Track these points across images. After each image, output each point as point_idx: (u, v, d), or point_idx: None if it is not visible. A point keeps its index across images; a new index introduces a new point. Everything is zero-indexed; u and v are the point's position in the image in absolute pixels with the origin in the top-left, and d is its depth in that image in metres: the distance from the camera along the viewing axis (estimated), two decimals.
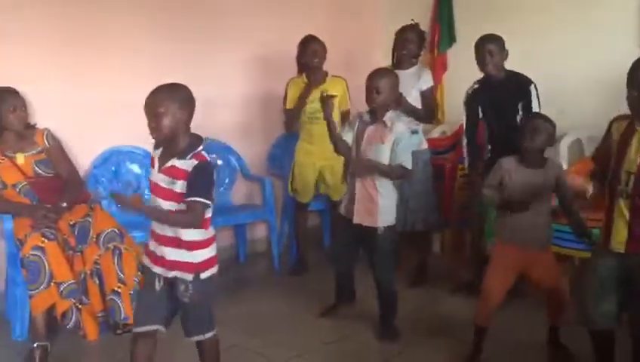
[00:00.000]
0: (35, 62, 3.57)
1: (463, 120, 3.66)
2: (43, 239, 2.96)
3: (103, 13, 3.84)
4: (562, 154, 4.03)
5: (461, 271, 3.95)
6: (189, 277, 2.24)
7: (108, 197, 3.47)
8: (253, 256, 4.62)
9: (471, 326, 2.97)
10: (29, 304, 3.01)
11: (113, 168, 3.95)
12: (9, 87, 3.23)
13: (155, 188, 2.26)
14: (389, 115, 3.05)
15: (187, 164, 2.18)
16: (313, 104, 3.96)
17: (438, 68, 4.91)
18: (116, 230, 3.19)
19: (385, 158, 3.02)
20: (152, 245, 2.31)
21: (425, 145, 3.91)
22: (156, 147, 2.30)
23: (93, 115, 3.74)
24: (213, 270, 2.31)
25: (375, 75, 3.04)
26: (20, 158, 3.22)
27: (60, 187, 3.28)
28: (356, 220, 3.08)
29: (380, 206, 3.04)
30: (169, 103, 2.16)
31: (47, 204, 3.13)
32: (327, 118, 3.15)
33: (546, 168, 2.76)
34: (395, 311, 3.19)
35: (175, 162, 2.20)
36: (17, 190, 3.19)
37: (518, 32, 3.96)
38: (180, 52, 4.20)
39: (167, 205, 2.21)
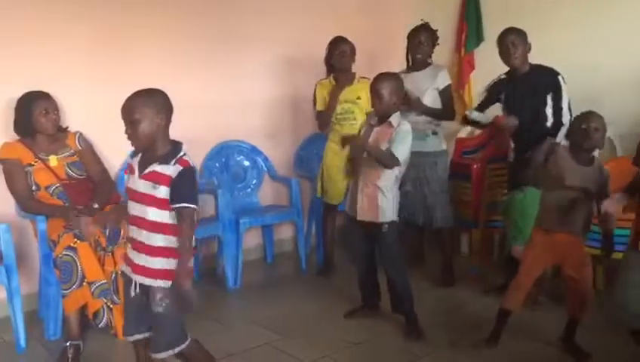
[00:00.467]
0: (65, 65, 3.65)
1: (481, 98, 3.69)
2: (75, 240, 3.02)
3: (132, 16, 3.90)
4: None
5: (489, 272, 3.91)
6: (166, 284, 2.15)
7: None
8: (281, 257, 4.65)
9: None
10: (61, 303, 3.08)
11: None
12: (41, 91, 3.30)
13: (134, 195, 2.18)
14: (394, 116, 3.08)
15: (170, 170, 2.13)
16: (342, 105, 3.97)
17: (466, 67, 4.88)
18: None
19: None
20: (131, 252, 2.24)
21: (444, 146, 3.91)
22: (134, 154, 2.25)
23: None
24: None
25: (376, 81, 3.07)
26: (53, 161, 3.30)
27: (91, 188, 3.35)
28: (360, 216, 3.12)
29: (382, 202, 3.07)
30: (145, 110, 2.12)
31: (79, 205, 3.19)
32: (366, 147, 3.05)
33: (593, 167, 2.74)
34: (412, 306, 3.19)
35: (156, 167, 2.15)
36: (50, 192, 3.26)
37: (548, 28, 3.91)
38: (208, 53, 4.25)
39: (150, 211, 2.15)
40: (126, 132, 2.15)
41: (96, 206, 3.19)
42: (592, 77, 3.94)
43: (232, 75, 4.38)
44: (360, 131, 3.21)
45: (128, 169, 2.28)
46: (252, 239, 4.54)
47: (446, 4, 4.93)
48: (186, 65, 4.14)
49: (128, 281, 2.27)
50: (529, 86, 3.43)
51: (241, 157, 4.49)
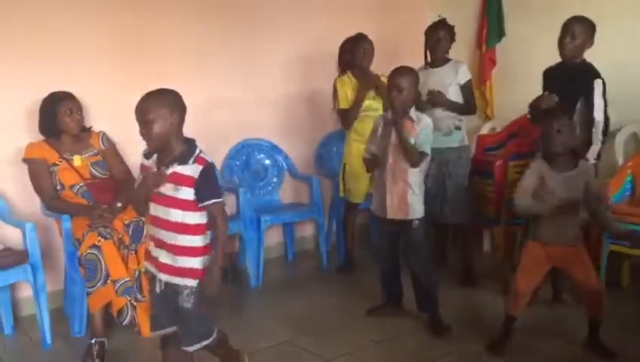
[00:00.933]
0: (88, 66, 3.69)
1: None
2: (99, 238, 3.05)
3: (152, 17, 3.93)
4: (617, 148, 3.90)
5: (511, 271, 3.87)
6: (192, 283, 2.21)
7: None
8: (302, 255, 4.66)
9: (523, 328, 2.99)
10: (86, 301, 3.11)
11: None
12: (65, 92, 3.35)
13: (155, 197, 2.20)
14: (412, 111, 3.07)
15: (191, 170, 2.15)
16: (364, 102, 3.96)
17: (487, 63, 4.83)
18: None
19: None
20: (156, 251, 2.26)
21: (466, 142, 3.87)
22: (148, 155, 2.26)
23: None
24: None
25: (396, 74, 3.04)
26: (77, 160, 3.34)
27: (114, 188, 3.38)
28: (390, 215, 3.11)
29: (412, 199, 3.07)
30: (159, 109, 2.13)
31: (103, 204, 3.22)
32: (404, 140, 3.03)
33: (577, 171, 2.72)
34: (437, 305, 3.18)
35: (177, 168, 2.17)
36: (75, 191, 3.30)
37: None
38: (227, 52, 4.28)
39: (172, 212, 2.18)
40: (140, 132, 2.17)
41: (119, 205, 3.22)
42: (618, 71, 3.86)
43: (252, 73, 4.39)
44: (377, 129, 3.19)
45: (141, 170, 2.29)
46: (273, 237, 4.56)
47: (465, 0, 4.88)
48: (206, 64, 4.16)
49: (153, 278, 2.30)
50: (567, 84, 3.23)
51: (262, 155, 4.50)
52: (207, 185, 2.17)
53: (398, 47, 4.82)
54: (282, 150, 4.54)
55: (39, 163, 3.28)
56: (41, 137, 3.36)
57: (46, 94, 3.33)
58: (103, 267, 3.02)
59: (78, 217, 3.21)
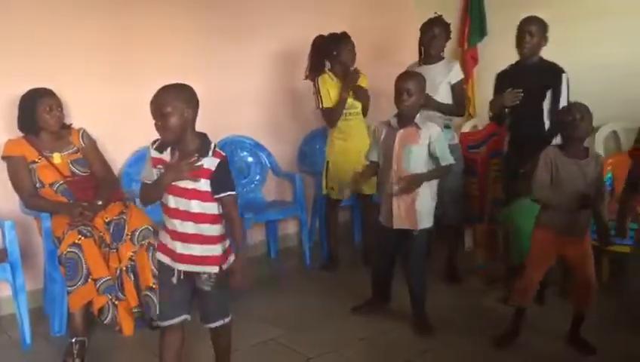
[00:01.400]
0: (69, 62, 3.65)
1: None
2: (80, 236, 3.02)
3: (131, 15, 3.90)
4: (598, 145, 3.95)
5: (494, 267, 3.90)
6: (215, 269, 2.30)
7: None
8: (285, 252, 4.65)
9: (503, 322, 3.02)
10: (67, 300, 3.08)
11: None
12: (45, 88, 3.30)
13: (173, 190, 2.25)
14: (418, 117, 3.06)
15: (209, 162, 2.22)
16: (348, 100, 3.97)
17: (469, 61, 4.86)
18: (150, 227, 3.23)
19: (421, 158, 3.03)
20: (173, 244, 2.32)
21: (456, 140, 3.88)
22: (161, 148, 2.29)
23: (126, 115, 3.78)
24: (232, 258, 2.36)
25: (405, 77, 3.06)
26: (57, 158, 3.29)
27: (95, 186, 3.35)
28: (397, 225, 3.09)
29: (420, 209, 3.06)
30: (176, 103, 2.17)
31: (84, 202, 3.18)
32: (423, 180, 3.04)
33: (589, 158, 2.74)
34: (424, 305, 3.20)
35: (201, 161, 2.23)
36: (55, 189, 3.26)
37: (554, 21, 3.87)
38: (211, 49, 4.25)
39: (193, 203, 2.25)
40: (156, 125, 2.20)
41: (100, 203, 3.19)
42: (598, 71, 3.92)
43: (235, 70, 4.37)
44: (375, 134, 3.19)
45: (155, 163, 2.29)
46: (256, 235, 4.54)
47: None
48: (189, 61, 4.12)
49: (168, 271, 2.34)
50: (533, 79, 3.42)
51: (245, 153, 4.48)
52: (224, 177, 2.26)
53: (382, 45, 4.84)
54: (265, 148, 4.52)
55: (18, 160, 3.23)
56: (20, 134, 3.31)
57: (25, 91, 3.28)
58: (84, 266, 2.99)
59: (57, 215, 3.17)
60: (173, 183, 2.24)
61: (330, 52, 4.02)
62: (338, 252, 4.28)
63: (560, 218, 2.76)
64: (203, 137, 2.29)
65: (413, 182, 3.01)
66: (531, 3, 4.27)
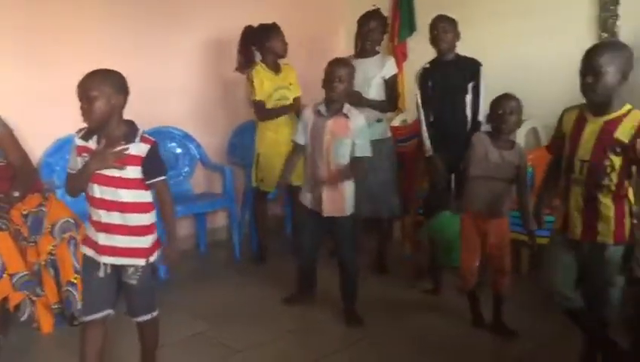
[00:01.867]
0: None
1: (417, 98, 3.68)
2: None
3: (52, 0, 3.73)
4: (519, 142, 4.09)
5: (420, 258, 4.00)
6: (142, 262, 2.27)
7: (62, 187, 3.37)
8: (214, 245, 4.58)
9: (431, 312, 3.18)
10: None
11: (68, 157, 3.82)
12: None
13: (99, 178, 2.19)
14: (347, 106, 3.08)
15: (138, 148, 2.19)
16: (278, 91, 3.94)
17: (399, 56, 4.92)
18: (71, 219, 3.10)
19: (348, 152, 3.07)
20: (96, 235, 2.26)
21: (389, 134, 3.92)
22: (87, 136, 2.22)
23: (46, 103, 3.62)
24: (159, 252, 2.35)
25: (337, 64, 3.06)
26: None
27: (11, 176, 3.16)
28: (327, 213, 3.10)
29: (347, 196, 3.10)
30: (103, 87, 2.14)
31: None
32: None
33: (514, 150, 2.90)
34: (356, 296, 3.23)
35: (127, 147, 2.19)
36: None
37: (479, 20, 4.01)
38: (136, 36, 4.12)
39: (121, 192, 2.20)
40: (81, 107, 2.14)
41: (16, 194, 3.03)
42: (518, 69, 4.07)
43: (162, 58, 4.25)
44: (306, 120, 3.17)
45: (80, 151, 2.22)
46: (184, 228, 4.44)
47: None
48: (114, 51, 3.97)
49: (94, 264, 2.27)
50: (453, 74, 3.51)
51: (173, 143, 4.38)
52: (156, 162, 2.25)
53: (313, 36, 4.83)
54: (194, 139, 4.43)
55: None
56: None
57: None
58: None
59: None
60: (98, 172, 2.18)
61: (260, 43, 3.99)
62: (268, 244, 4.26)
63: (476, 200, 2.92)
64: (130, 124, 2.25)
65: (342, 177, 3.05)
66: (459, 2, 4.40)
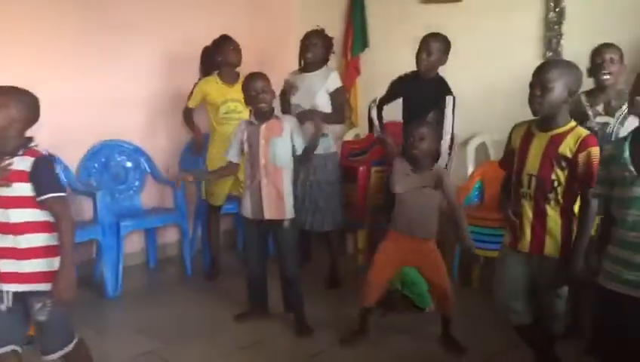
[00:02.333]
0: None
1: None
2: None
3: (1, 4, 3.61)
4: (469, 156, 4.19)
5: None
6: (42, 287, 2.09)
7: None
8: (165, 261, 4.48)
9: (388, 328, 3.17)
10: None
11: None
12: None
13: None
14: (277, 111, 3.19)
15: (23, 164, 2.06)
16: (228, 104, 3.92)
17: (352, 71, 4.97)
18: None
19: (287, 150, 3.16)
20: None
21: (334, 149, 3.94)
22: None
23: None
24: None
25: (254, 78, 3.13)
26: None
27: None
28: (267, 216, 3.14)
29: (287, 200, 3.16)
30: (6, 101, 2.05)
31: None
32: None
33: (431, 172, 2.95)
34: (303, 305, 3.24)
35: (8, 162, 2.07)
36: None
37: (405, 35, 4.00)
38: (84, 47, 4.01)
39: (10, 213, 2.05)
40: None
41: None
42: (467, 86, 4.15)
43: (112, 70, 4.15)
44: (235, 134, 3.24)
45: None
46: (134, 243, 4.34)
47: (332, 8, 5.00)
48: (63, 60, 3.88)
49: None
50: (423, 95, 3.42)
51: (123, 157, 4.28)
52: (44, 177, 2.07)
53: (265, 51, 4.82)
54: (145, 152, 4.34)
55: None
56: None
57: None
58: None
59: None
60: None
61: (214, 58, 3.98)
62: (220, 260, 4.20)
63: (401, 218, 2.96)
64: (25, 140, 2.11)
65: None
66: (408, 18, 4.48)
